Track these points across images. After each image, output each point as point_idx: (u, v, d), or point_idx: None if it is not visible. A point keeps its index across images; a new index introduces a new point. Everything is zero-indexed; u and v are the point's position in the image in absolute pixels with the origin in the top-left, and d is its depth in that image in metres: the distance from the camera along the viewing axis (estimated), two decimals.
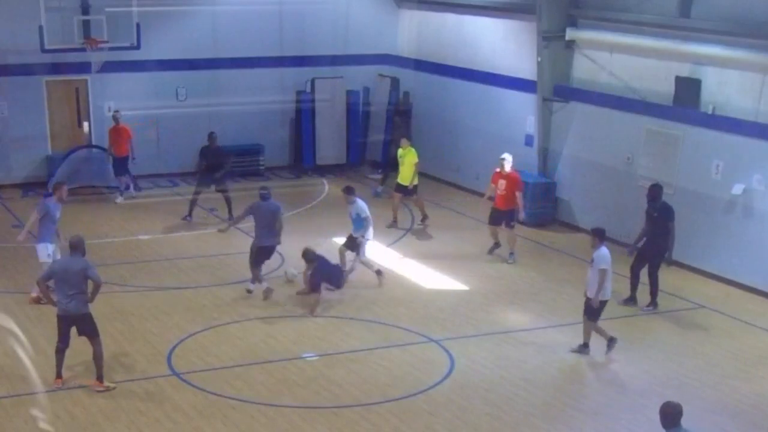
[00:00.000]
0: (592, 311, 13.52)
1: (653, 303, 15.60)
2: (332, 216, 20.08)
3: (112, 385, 12.29)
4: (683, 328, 14.98)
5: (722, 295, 16.42)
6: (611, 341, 13.67)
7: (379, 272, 16.42)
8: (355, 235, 16.45)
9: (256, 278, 15.69)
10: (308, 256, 15.52)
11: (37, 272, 14.87)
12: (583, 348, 13.74)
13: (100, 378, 12.24)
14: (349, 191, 16.66)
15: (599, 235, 13.48)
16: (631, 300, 15.70)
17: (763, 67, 16.04)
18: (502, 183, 17.83)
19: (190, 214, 20.14)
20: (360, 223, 16.40)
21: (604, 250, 13.37)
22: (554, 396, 12.49)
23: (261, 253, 15.69)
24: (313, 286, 15.33)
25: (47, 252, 14.74)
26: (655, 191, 15.61)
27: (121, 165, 21.76)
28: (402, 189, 19.95)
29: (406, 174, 19.79)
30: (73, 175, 21.75)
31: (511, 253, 17.91)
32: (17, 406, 11.79)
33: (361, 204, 16.50)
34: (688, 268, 17.41)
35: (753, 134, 16.22)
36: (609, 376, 13.26)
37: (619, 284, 15.41)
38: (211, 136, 20.16)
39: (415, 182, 19.91)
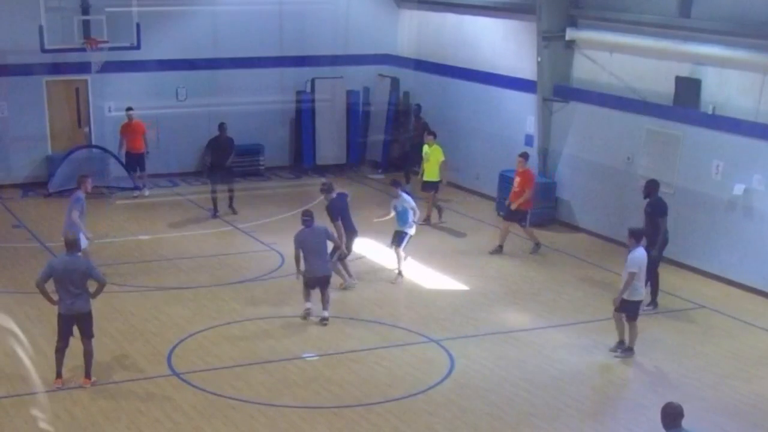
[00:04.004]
0: (629, 310, 13.49)
1: (653, 302, 15.55)
2: None
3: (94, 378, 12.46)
4: (683, 328, 14.98)
5: (722, 295, 16.42)
6: (629, 350, 13.66)
7: (400, 273, 16.56)
8: (401, 229, 16.67)
9: (307, 298, 14.82)
10: (326, 186, 15.80)
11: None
12: (621, 346, 13.71)
13: (88, 375, 12.36)
14: (396, 185, 16.96)
15: (635, 236, 13.41)
16: None
17: (763, 67, 16.04)
18: (516, 180, 18.13)
19: (215, 209, 20.35)
20: (406, 216, 16.61)
21: (638, 252, 13.31)
22: (554, 396, 12.48)
23: (315, 284, 14.65)
24: (333, 216, 15.77)
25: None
26: (649, 187, 15.50)
27: (138, 161, 21.95)
28: (432, 186, 20.06)
29: (432, 170, 19.90)
30: (73, 175, 21.78)
31: (537, 244, 18.29)
32: (17, 406, 11.79)
33: (407, 197, 16.76)
34: (688, 268, 17.42)
35: (753, 134, 16.21)
36: (609, 376, 13.25)
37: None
38: (221, 126, 20.38)
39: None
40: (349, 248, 16.35)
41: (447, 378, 12.92)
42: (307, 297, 14.73)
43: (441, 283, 16.75)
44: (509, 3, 21.47)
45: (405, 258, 16.89)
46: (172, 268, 17.28)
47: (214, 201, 20.37)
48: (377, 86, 25.35)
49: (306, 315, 14.71)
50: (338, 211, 16.01)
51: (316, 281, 14.63)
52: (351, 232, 16.31)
